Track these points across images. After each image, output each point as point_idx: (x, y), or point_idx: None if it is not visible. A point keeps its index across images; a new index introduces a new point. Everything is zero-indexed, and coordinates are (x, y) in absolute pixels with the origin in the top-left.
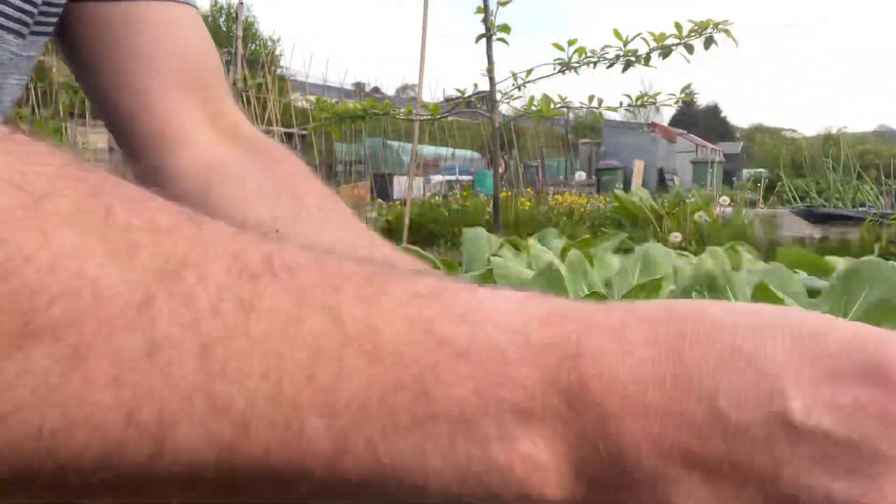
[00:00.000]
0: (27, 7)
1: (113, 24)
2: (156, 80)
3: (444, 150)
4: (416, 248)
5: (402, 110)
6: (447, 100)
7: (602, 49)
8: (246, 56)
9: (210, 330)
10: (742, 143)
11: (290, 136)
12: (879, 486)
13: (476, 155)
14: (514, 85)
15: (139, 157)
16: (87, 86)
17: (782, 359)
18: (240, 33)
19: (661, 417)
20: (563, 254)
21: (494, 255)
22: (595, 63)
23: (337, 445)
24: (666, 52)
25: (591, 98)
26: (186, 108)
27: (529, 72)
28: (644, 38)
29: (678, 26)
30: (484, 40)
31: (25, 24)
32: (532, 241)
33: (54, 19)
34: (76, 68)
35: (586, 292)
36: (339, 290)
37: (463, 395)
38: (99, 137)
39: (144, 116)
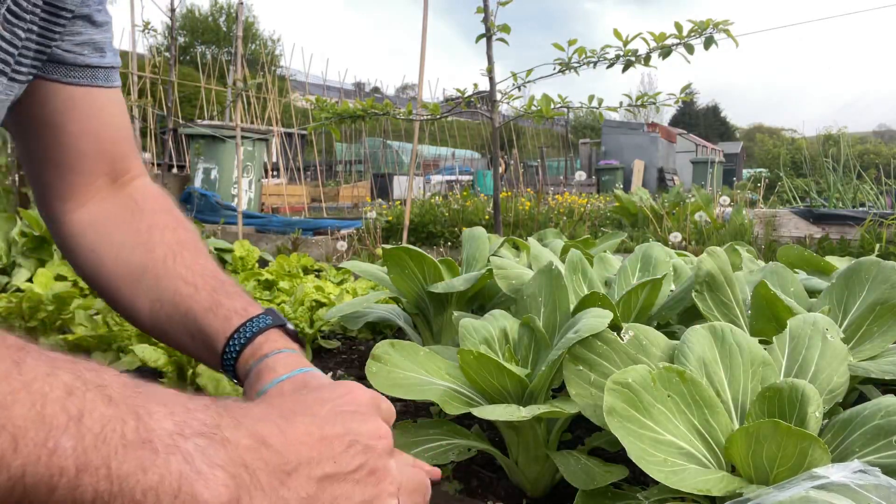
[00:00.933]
0: (10, 49)
1: (57, 105)
2: (77, 160)
3: (444, 150)
4: (417, 249)
5: (402, 110)
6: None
7: (602, 49)
8: (246, 56)
9: None
10: (742, 143)
11: (290, 136)
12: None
13: (476, 155)
14: (514, 85)
15: (50, 209)
16: (24, 143)
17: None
18: (240, 33)
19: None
20: (563, 254)
21: (494, 254)
22: (595, 63)
23: (80, 462)
24: (666, 52)
25: (591, 98)
26: (94, 177)
27: (529, 72)
28: (644, 39)
29: (678, 26)
30: (484, 40)
31: (7, 63)
32: (532, 241)
33: (27, 68)
34: (18, 126)
35: (586, 292)
36: (76, 362)
37: (168, 425)
38: None
39: (61, 184)
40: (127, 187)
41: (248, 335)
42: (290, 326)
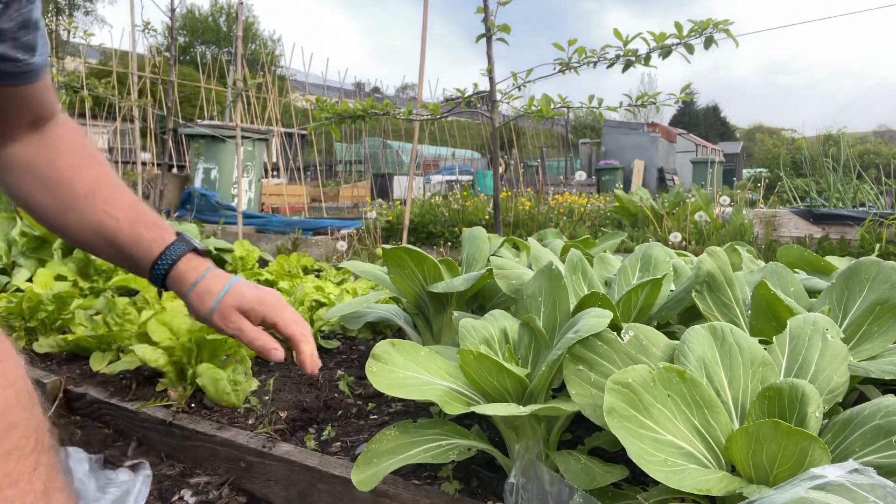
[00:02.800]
0: None
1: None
2: (5, 117)
3: (444, 150)
4: (417, 249)
5: (402, 110)
6: (447, 100)
7: (602, 49)
8: (246, 56)
9: None
10: (742, 143)
11: (290, 136)
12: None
13: (476, 155)
14: (514, 85)
15: None
16: None
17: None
18: (240, 33)
19: None
20: (563, 253)
21: (494, 254)
22: (595, 63)
23: None
24: (666, 51)
25: (591, 98)
26: (20, 127)
27: (529, 72)
28: (644, 38)
29: (678, 26)
30: (484, 40)
31: None
32: (532, 241)
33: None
34: None
35: (586, 292)
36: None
37: None
38: (100, 137)
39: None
40: (48, 130)
41: (168, 262)
42: (200, 246)
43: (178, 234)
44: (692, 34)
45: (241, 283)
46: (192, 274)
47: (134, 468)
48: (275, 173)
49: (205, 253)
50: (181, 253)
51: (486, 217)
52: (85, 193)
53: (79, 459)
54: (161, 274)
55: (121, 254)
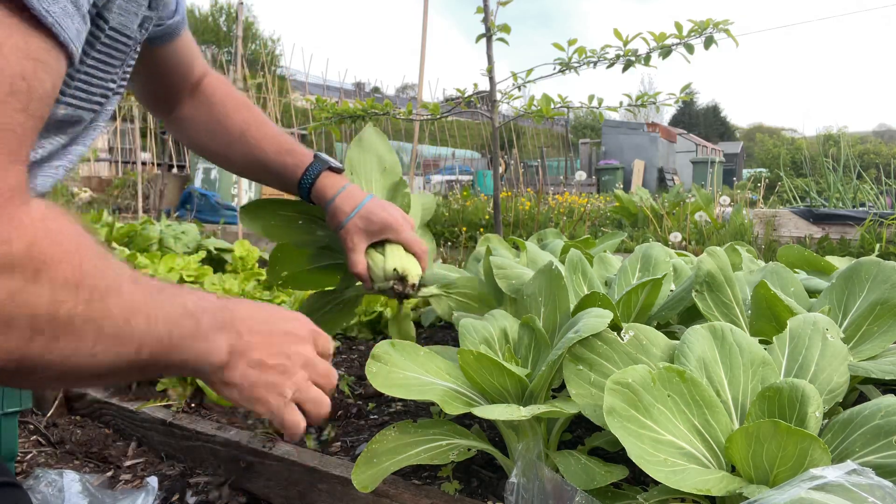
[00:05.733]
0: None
1: (163, 56)
2: (172, 85)
3: (444, 150)
4: None
5: (402, 110)
6: (447, 100)
7: (602, 49)
8: (246, 56)
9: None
10: (742, 143)
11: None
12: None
13: (476, 155)
14: (514, 85)
15: (158, 114)
16: (145, 75)
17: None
18: (240, 33)
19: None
20: (563, 253)
21: (493, 254)
22: (595, 63)
23: (168, 341)
24: (666, 51)
25: (591, 98)
26: (183, 91)
27: (530, 72)
28: (644, 38)
29: (678, 26)
30: (484, 40)
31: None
32: (529, 244)
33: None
34: (142, 71)
35: (586, 291)
36: (164, 288)
37: (207, 318)
38: (100, 137)
39: (165, 98)
40: (202, 88)
41: (309, 182)
42: (335, 164)
43: (316, 155)
44: (692, 34)
45: (370, 205)
46: (329, 191)
47: (138, 486)
48: None
49: (339, 170)
50: (317, 172)
51: (487, 217)
52: (238, 135)
53: (72, 480)
54: (306, 192)
55: (273, 178)
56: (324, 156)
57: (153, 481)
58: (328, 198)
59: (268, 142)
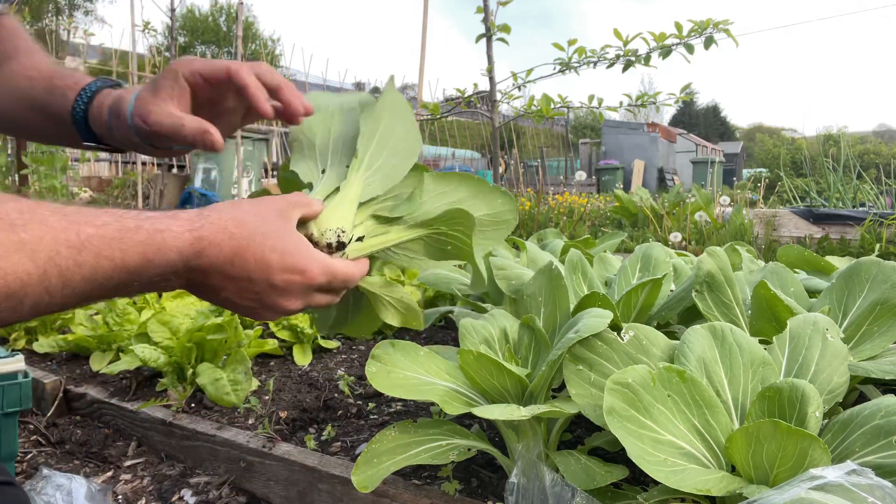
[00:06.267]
0: None
1: None
2: None
3: (444, 150)
4: None
5: None
6: (447, 100)
7: (602, 49)
8: (246, 56)
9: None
10: (742, 143)
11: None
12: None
13: (476, 155)
14: (514, 85)
15: None
16: None
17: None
18: (240, 33)
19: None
20: (563, 254)
21: (491, 254)
22: (595, 63)
23: (120, 260)
24: (666, 52)
25: (591, 98)
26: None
27: (529, 72)
28: (644, 38)
29: (678, 26)
30: (484, 40)
31: None
32: (529, 244)
33: None
34: None
35: (586, 292)
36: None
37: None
38: None
39: None
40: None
41: (85, 100)
42: (123, 83)
43: (99, 76)
44: (692, 34)
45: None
46: (107, 99)
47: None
48: (275, 173)
49: (119, 86)
50: (97, 88)
51: None
52: (28, 71)
53: (80, 486)
54: (82, 122)
55: (43, 115)
56: (111, 79)
57: None
58: (107, 105)
59: (37, 68)
